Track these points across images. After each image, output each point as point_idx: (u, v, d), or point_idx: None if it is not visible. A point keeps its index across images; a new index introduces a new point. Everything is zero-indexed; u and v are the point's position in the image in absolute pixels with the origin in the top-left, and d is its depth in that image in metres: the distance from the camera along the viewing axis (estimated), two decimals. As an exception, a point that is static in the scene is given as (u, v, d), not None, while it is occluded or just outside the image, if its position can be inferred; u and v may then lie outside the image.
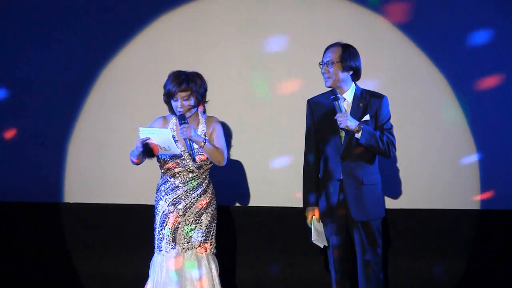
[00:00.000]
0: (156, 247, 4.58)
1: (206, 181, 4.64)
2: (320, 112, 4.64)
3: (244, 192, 5.63)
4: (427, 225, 5.56)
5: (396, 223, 5.48)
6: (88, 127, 5.68)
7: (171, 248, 4.53)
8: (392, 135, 4.60)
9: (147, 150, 4.44)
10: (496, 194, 5.50)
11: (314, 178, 4.69)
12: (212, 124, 4.65)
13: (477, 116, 5.50)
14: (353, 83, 4.64)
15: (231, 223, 5.58)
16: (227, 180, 5.44)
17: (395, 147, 4.60)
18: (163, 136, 4.39)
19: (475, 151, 5.51)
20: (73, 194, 5.70)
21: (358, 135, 4.47)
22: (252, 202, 5.64)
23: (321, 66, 4.59)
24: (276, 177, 5.61)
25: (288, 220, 5.56)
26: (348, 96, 4.59)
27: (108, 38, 5.65)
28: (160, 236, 4.56)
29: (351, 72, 4.57)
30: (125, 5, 5.64)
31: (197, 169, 4.59)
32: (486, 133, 5.49)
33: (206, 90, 4.60)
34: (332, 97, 4.51)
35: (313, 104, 4.70)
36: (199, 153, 4.54)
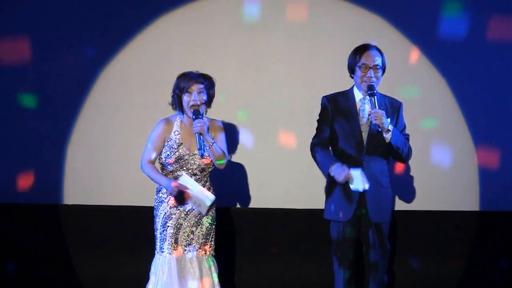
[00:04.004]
0: (158, 248, 4.59)
1: (207, 184, 4.66)
2: (338, 110, 4.56)
3: (243, 194, 5.62)
4: (427, 226, 5.57)
5: (397, 224, 5.48)
6: (87, 128, 5.66)
7: (173, 249, 4.54)
8: (409, 141, 4.59)
9: (179, 197, 4.50)
10: (496, 195, 5.51)
11: (327, 150, 4.56)
12: (215, 127, 4.66)
13: (477, 116, 5.51)
14: None
15: (230, 225, 5.57)
16: (227, 181, 5.44)
17: (411, 154, 4.61)
18: (203, 197, 4.48)
19: (474, 151, 5.52)
20: (72, 196, 5.68)
21: (387, 135, 4.40)
22: (252, 204, 5.64)
23: (364, 69, 4.48)
24: (276, 179, 5.60)
25: (287, 222, 5.57)
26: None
27: (107, 39, 5.63)
28: (162, 237, 4.56)
29: None
30: (124, 6, 5.63)
31: (200, 172, 4.60)
32: (485, 134, 5.51)
33: (214, 95, 4.63)
34: (369, 92, 4.42)
35: (331, 100, 4.59)
36: (206, 153, 4.54)
